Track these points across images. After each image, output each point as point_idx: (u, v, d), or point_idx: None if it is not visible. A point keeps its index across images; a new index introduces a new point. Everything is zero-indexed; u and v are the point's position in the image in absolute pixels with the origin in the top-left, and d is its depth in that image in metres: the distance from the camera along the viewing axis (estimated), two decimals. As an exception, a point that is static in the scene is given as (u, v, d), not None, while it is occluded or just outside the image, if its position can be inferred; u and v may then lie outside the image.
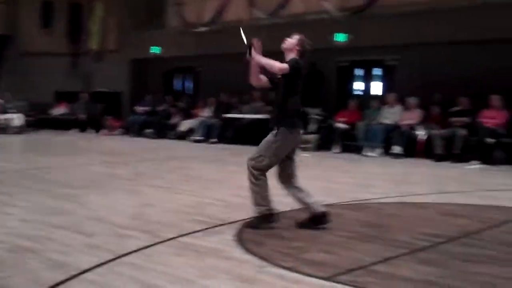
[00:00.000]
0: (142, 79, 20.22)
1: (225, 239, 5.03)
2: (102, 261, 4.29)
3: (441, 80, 12.70)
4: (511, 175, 9.95)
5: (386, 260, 4.39)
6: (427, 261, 4.38)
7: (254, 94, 15.77)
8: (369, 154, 12.64)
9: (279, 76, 5.55)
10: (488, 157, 11.31)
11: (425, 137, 12.16)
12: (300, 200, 5.64)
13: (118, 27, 20.33)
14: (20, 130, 18.31)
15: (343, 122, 13.53)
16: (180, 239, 5.04)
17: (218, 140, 15.58)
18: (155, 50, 18.91)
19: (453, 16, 12.43)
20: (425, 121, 12.63)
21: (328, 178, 9.30)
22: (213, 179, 8.86)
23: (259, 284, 3.85)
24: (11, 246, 4.70)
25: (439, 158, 11.74)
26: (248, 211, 6.20)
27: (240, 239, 5.02)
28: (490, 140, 11.29)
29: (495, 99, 11.76)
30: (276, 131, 5.51)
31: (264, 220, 5.48)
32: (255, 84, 5.82)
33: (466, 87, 12.38)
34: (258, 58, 5.59)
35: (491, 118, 11.72)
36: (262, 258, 4.45)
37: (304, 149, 13.54)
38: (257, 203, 5.49)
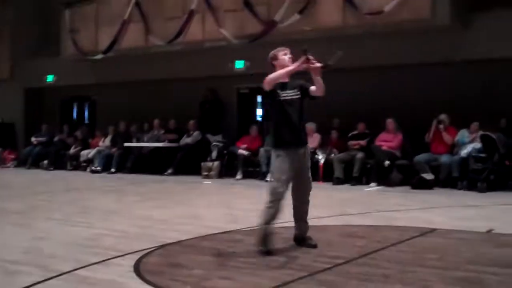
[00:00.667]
0: (37, 109, 19.49)
1: (123, 271, 4.86)
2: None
3: (339, 105, 13.01)
4: (407, 196, 10.26)
5: (285, 284, 4.37)
6: (326, 283, 4.40)
7: (154, 122, 15.59)
8: (270, 179, 12.71)
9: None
10: (385, 178, 11.66)
11: (323, 160, 12.39)
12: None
13: (11, 55, 19.51)
14: None
15: (245, 149, 13.58)
16: (75, 272, 4.82)
17: (117, 170, 15.21)
18: (49, 78, 18.31)
19: (349, 43, 12.81)
20: (324, 146, 12.88)
21: (230, 205, 9.25)
22: (111, 210, 8.60)
23: (157, 315, 3.72)
24: None
25: (338, 181, 11.99)
26: (146, 241, 6.05)
27: (138, 270, 4.85)
28: (386, 162, 11.66)
29: (390, 123, 12.18)
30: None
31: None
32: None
33: (364, 112, 12.76)
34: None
35: (387, 141, 12.13)
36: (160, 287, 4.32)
37: (206, 177, 13.50)
38: None
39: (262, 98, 4.78)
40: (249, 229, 6.86)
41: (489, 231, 6.50)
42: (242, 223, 7.26)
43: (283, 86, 5.56)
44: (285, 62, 5.63)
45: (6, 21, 19.46)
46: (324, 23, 12.27)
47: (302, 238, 5.81)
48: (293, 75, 5.65)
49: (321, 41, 12.80)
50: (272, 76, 5.51)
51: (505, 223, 7.07)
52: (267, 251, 5.44)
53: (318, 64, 5.38)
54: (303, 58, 5.39)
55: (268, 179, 12.63)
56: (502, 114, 11.64)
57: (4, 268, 4.95)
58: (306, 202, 5.84)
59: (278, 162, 5.52)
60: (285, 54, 5.70)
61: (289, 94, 5.56)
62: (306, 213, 5.82)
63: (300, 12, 12.38)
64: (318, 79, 5.50)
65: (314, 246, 5.68)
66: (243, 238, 6.34)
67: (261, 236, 5.51)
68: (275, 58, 5.73)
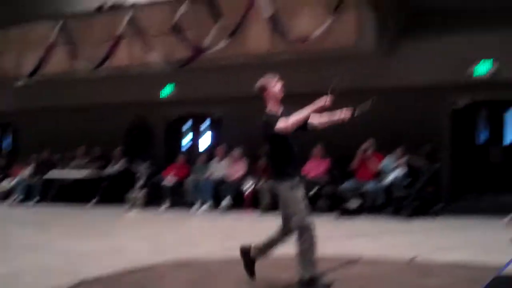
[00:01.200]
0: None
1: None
2: None
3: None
4: (333, 224, 10.31)
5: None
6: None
7: (78, 151, 15.17)
8: (198, 209, 12.57)
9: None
10: (313, 206, 11.67)
11: (251, 189, 12.34)
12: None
13: None
14: None
15: (172, 178, 13.38)
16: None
17: (39, 201, 14.66)
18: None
19: (277, 69, 12.83)
20: (252, 173, 12.84)
21: (154, 236, 9.05)
22: (30, 244, 8.23)
23: None
24: None
25: (266, 209, 11.94)
26: (65, 277, 5.80)
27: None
28: (313, 191, 11.68)
29: (318, 149, 12.25)
30: None
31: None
32: None
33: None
34: None
35: (314, 167, 12.18)
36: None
37: (132, 207, 13.19)
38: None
39: (271, 136, 4.82)
40: (173, 261, 6.70)
41: (412, 259, 6.57)
42: (167, 255, 7.09)
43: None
44: (278, 93, 5.48)
45: None
46: (252, 49, 12.30)
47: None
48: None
49: (249, 67, 12.88)
50: (296, 119, 5.19)
51: (428, 250, 7.16)
52: None
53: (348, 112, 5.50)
54: (330, 97, 5.38)
55: (199, 208, 12.51)
56: (423, 141, 11.93)
57: None
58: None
59: (294, 193, 5.25)
60: (276, 84, 5.52)
61: None
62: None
63: (229, 37, 12.37)
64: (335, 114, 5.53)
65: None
66: (167, 271, 6.20)
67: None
68: (265, 89, 5.52)
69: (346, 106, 5.57)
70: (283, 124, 5.13)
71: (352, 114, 5.44)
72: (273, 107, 5.43)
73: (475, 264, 6.19)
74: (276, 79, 5.55)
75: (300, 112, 5.22)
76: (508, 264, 5.94)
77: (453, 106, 12.53)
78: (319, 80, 12.46)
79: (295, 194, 5.26)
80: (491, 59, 11.23)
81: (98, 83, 14.91)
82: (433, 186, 11.19)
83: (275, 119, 5.19)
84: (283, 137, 5.25)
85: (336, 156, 12.36)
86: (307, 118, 5.37)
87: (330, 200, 11.79)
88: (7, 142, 18.77)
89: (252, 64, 12.66)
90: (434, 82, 11.70)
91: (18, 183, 15.20)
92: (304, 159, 12.41)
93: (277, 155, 5.38)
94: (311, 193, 11.66)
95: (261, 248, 5.67)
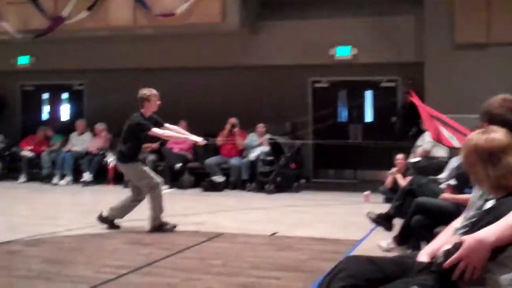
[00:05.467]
0: None
1: None
2: None
3: (128, 105, 12.74)
4: (198, 199, 10.32)
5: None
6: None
7: None
8: (58, 182, 12.09)
9: None
10: (176, 181, 11.63)
11: (113, 163, 12.04)
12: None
13: None
14: None
15: (29, 150, 12.74)
16: None
17: None
18: None
19: (140, 42, 12.60)
20: (114, 147, 12.52)
21: (9, 211, 8.57)
22: None
23: None
24: None
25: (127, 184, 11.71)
26: None
27: None
28: (177, 165, 11.64)
29: (181, 125, 12.14)
30: None
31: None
32: None
33: (156, 113, 12.59)
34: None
35: (178, 143, 12.08)
36: None
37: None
38: None
39: (136, 132, 7.17)
40: (29, 238, 6.39)
41: (273, 234, 6.71)
42: (22, 231, 6.75)
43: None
44: (154, 108, 7.30)
45: None
46: (114, 22, 11.90)
47: None
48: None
49: (111, 40, 12.51)
50: (167, 135, 7.52)
51: (289, 225, 7.35)
52: None
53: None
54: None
55: (58, 182, 12.04)
56: (286, 118, 12.22)
57: None
58: None
59: (142, 168, 7.22)
60: (157, 101, 7.30)
61: None
62: None
63: (89, 8, 11.89)
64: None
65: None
66: (21, 249, 5.91)
67: None
68: (148, 100, 7.24)
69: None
70: (159, 132, 7.18)
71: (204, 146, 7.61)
72: (146, 113, 7.23)
73: (333, 238, 6.43)
74: (157, 96, 7.30)
75: (171, 135, 7.51)
76: (363, 239, 6.26)
77: (315, 85, 12.95)
78: (184, 55, 12.46)
79: (143, 168, 7.17)
80: (349, 46, 11.68)
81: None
82: (296, 162, 11.48)
83: (147, 122, 7.10)
84: (144, 135, 7.19)
85: (200, 132, 12.32)
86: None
87: (195, 176, 11.79)
88: None
89: (114, 37, 12.33)
90: (297, 62, 11.98)
91: None
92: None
93: (132, 144, 7.15)
94: (177, 167, 11.62)
95: (117, 211, 7.16)
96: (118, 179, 11.81)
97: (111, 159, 12.00)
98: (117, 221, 7.16)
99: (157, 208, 6.90)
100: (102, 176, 12.05)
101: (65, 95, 15.05)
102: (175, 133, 7.48)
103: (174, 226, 6.92)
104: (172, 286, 4.45)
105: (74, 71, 13.94)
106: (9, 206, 9.29)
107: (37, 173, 12.63)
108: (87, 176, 12.03)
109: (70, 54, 13.13)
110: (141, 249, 5.86)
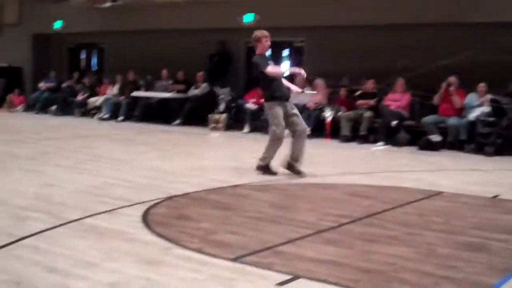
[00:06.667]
0: (44, 55, 19.37)
1: (130, 221, 4.92)
2: (1, 244, 4.09)
3: (348, 62, 12.94)
4: (414, 157, 10.25)
5: (291, 241, 4.42)
6: (331, 242, 4.45)
7: (162, 72, 15.51)
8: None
9: None
10: (392, 138, 11.65)
11: (331, 117, 12.36)
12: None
13: (19, 0, 19.33)
14: None
15: (253, 102, 13.54)
16: (83, 220, 4.89)
17: (125, 119, 15.23)
18: (57, 24, 18.15)
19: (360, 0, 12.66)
20: (332, 103, 12.84)
21: (236, 158, 9.29)
22: (119, 159, 8.65)
23: (165, 266, 3.78)
24: None
25: (345, 139, 11.99)
26: (154, 192, 6.12)
27: (146, 221, 4.92)
28: (394, 122, 11.63)
29: (400, 83, 12.10)
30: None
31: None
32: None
33: (372, 70, 12.67)
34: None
35: (395, 100, 12.06)
36: (168, 239, 4.38)
37: (214, 129, 13.52)
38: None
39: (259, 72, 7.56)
40: (255, 184, 6.92)
41: (495, 197, 6.53)
42: (248, 177, 7.31)
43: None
44: (266, 48, 7.72)
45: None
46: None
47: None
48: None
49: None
50: (277, 71, 7.70)
51: (511, 189, 7.07)
52: None
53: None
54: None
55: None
56: (510, 79, 11.54)
57: (15, 214, 5.02)
58: None
59: (276, 111, 7.52)
60: (267, 41, 7.67)
61: None
62: None
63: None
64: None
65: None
66: (250, 192, 6.40)
67: None
68: (259, 41, 7.66)
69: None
70: (270, 69, 7.48)
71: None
72: (261, 52, 7.73)
73: None
74: (268, 37, 7.69)
75: (274, 71, 7.60)
76: None
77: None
78: (406, 11, 12.24)
79: (278, 111, 7.47)
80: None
81: (182, 8, 15.07)
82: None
83: (261, 62, 7.53)
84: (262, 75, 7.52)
85: (418, 90, 12.15)
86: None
87: (411, 133, 11.70)
88: (94, 62, 19.34)
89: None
90: None
91: (105, 101, 15.78)
92: (386, 89, 12.32)
93: (264, 84, 7.64)
94: (393, 124, 11.60)
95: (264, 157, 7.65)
96: (335, 133, 12.17)
97: (328, 114, 12.35)
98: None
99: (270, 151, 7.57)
100: (320, 130, 12.43)
101: (286, 52, 15.60)
102: (277, 70, 7.77)
103: (275, 173, 7.49)
104: (393, 238, 4.58)
105: (295, 28, 14.38)
106: (236, 154, 10.07)
107: (259, 124, 13.40)
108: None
109: (292, 11, 13.57)
110: (362, 201, 6.05)
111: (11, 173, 7.12)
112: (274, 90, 7.51)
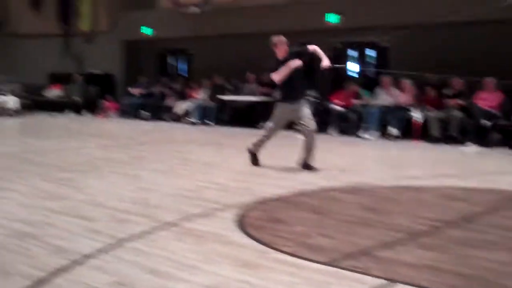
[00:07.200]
0: (134, 61, 20.09)
1: (225, 224, 5.04)
2: (104, 246, 4.30)
3: (435, 61, 12.69)
4: (508, 158, 9.95)
5: (386, 244, 4.42)
6: (427, 246, 4.40)
7: (250, 76, 15.71)
8: (365, 136, 12.63)
9: None
10: (484, 139, 11.33)
11: (421, 119, 12.15)
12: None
13: (109, 8, 20.15)
14: (14, 113, 18.23)
15: (339, 104, 13.50)
16: (181, 223, 5.05)
17: (214, 123, 15.54)
18: (146, 31, 18.75)
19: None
20: (420, 103, 12.62)
21: (324, 161, 9.28)
22: (210, 163, 8.85)
23: (262, 269, 3.86)
24: (11, 231, 4.70)
25: (435, 140, 11.77)
26: (246, 194, 6.24)
27: (240, 224, 5.03)
28: (485, 122, 11.32)
29: (490, 81, 11.76)
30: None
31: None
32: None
33: (461, 69, 12.36)
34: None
35: (485, 100, 11.74)
36: (263, 243, 4.47)
37: (300, 131, 13.52)
38: None
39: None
40: (345, 186, 6.93)
41: None
42: (339, 180, 7.33)
43: None
44: (283, 53, 8.08)
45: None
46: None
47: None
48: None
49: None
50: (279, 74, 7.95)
51: None
52: None
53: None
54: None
55: (365, 135, 12.57)
56: None
57: (115, 216, 5.25)
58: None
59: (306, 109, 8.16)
60: (283, 46, 8.11)
61: None
62: None
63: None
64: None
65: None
66: (341, 195, 6.41)
67: None
68: (276, 46, 8.11)
69: None
70: (274, 76, 7.96)
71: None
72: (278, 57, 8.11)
73: None
74: (284, 42, 8.15)
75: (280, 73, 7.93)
76: None
77: None
78: (494, 7, 11.86)
79: (278, 112, 8.12)
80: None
81: (266, 12, 15.23)
82: None
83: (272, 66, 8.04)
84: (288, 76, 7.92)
85: (510, 88, 11.76)
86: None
87: (504, 134, 11.33)
88: (183, 67, 19.83)
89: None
90: None
91: (194, 106, 16.15)
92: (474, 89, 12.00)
93: (281, 85, 8.08)
94: (484, 124, 11.29)
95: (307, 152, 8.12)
96: (424, 135, 11.95)
97: (417, 114, 12.14)
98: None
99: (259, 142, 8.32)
100: (408, 131, 12.25)
101: (371, 52, 15.46)
102: (282, 73, 7.96)
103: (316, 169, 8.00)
104: (492, 243, 4.48)
105: (380, 28, 14.22)
106: (323, 156, 10.06)
107: (346, 126, 13.36)
108: (393, 131, 12.32)
109: (377, 10, 13.44)
110: (455, 204, 5.95)
111: (108, 177, 7.43)
112: (284, 92, 8.07)
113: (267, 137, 8.32)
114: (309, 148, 8.07)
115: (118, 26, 19.69)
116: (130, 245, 4.39)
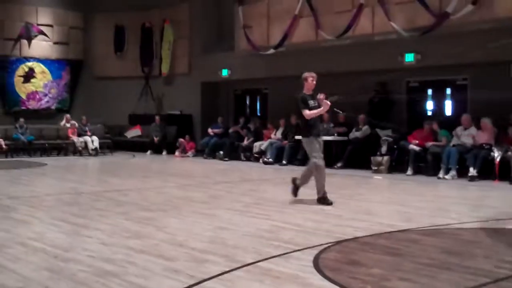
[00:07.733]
0: (212, 101, 20.55)
1: (303, 265, 5.06)
2: (184, 286, 4.40)
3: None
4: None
5: (468, 289, 4.33)
6: (512, 291, 4.29)
7: (324, 116, 15.74)
8: (443, 176, 12.36)
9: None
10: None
11: (500, 159, 11.80)
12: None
13: (188, 50, 20.84)
14: (96, 152, 18.92)
15: (416, 144, 13.30)
16: (258, 264, 5.10)
17: (288, 162, 15.62)
18: (224, 72, 19.20)
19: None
20: (500, 142, 12.28)
21: (401, 202, 9.18)
22: (285, 202, 8.90)
23: (340, 312, 3.86)
24: (94, 269, 4.88)
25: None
26: (322, 236, 6.24)
27: (317, 265, 5.03)
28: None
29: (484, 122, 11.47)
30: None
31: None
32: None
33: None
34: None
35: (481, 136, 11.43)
36: (340, 285, 4.46)
37: (377, 172, 13.43)
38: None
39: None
40: (423, 228, 6.81)
41: None
42: (416, 221, 7.22)
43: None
44: (311, 86, 8.87)
45: (184, 19, 20.88)
46: (500, 14, 11.67)
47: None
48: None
49: (496, 32, 12.22)
50: (310, 114, 8.70)
51: None
52: None
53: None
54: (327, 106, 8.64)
55: (444, 175, 12.30)
56: None
57: (194, 256, 5.37)
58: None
59: (314, 144, 8.75)
60: (313, 80, 8.84)
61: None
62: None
63: (474, 3, 11.88)
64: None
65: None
66: (419, 238, 6.31)
67: None
68: (306, 80, 8.85)
69: None
70: (307, 113, 8.65)
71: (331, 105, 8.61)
72: (306, 92, 8.86)
73: None
74: (314, 77, 8.86)
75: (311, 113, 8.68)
76: None
77: None
78: None
79: (315, 145, 8.68)
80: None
81: (341, 52, 15.31)
82: None
83: (303, 104, 8.71)
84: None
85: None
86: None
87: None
88: (258, 106, 20.11)
89: (499, 29, 12.03)
90: None
91: (269, 145, 16.31)
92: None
93: (303, 119, 8.75)
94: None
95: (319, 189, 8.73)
96: (504, 175, 11.59)
97: (497, 154, 11.81)
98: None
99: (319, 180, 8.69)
100: (487, 171, 11.92)
101: (448, 90, 15.23)
102: (313, 113, 8.69)
103: (331, 203, 8.54)
104: None
105: (457, 66, 14.02)
106: (400, 197, 9.95)
107: (423, 166, 13.13)
108: (472, 171, 12.01)
109: (453, 49, 13.26)
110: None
111: (187, 216, 7.59)
112: (311, 127, 8.73)
113: (320, 170, 8.70)
114: (315, 180, 8.77)
115: (197, 67, 20.28)
116: (209, 285, 4.47)
